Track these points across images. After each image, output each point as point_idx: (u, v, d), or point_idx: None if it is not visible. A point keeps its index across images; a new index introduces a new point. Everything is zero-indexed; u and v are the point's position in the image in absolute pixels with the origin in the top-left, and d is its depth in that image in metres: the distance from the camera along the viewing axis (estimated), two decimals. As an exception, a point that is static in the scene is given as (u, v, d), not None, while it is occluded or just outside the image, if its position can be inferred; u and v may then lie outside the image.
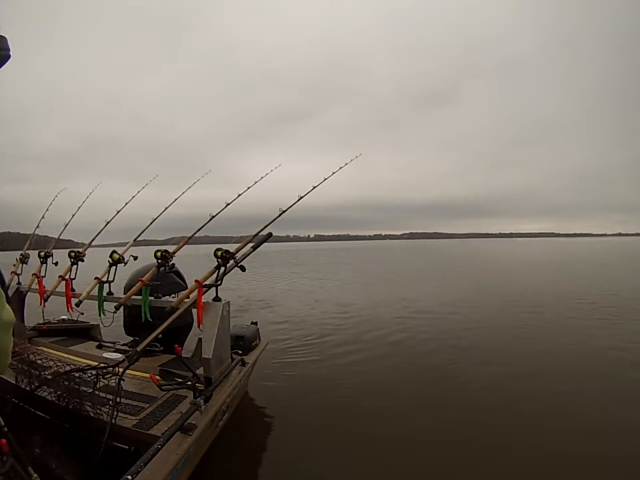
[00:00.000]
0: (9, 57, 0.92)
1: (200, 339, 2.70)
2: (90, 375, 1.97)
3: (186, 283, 3.22)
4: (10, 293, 2.98)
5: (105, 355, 2.74)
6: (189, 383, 1.85)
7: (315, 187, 2.95)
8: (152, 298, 2.49)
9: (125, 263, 2.77)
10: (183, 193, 3.46)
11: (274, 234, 2.61)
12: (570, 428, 2.70)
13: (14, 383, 1.96)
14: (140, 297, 2.45)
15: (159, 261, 2.59)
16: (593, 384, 3.47)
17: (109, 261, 2.70)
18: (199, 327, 2.27)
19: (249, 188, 3.17)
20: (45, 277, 3.09)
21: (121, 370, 1.97)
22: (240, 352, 2.72)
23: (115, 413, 1.72)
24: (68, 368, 2.00)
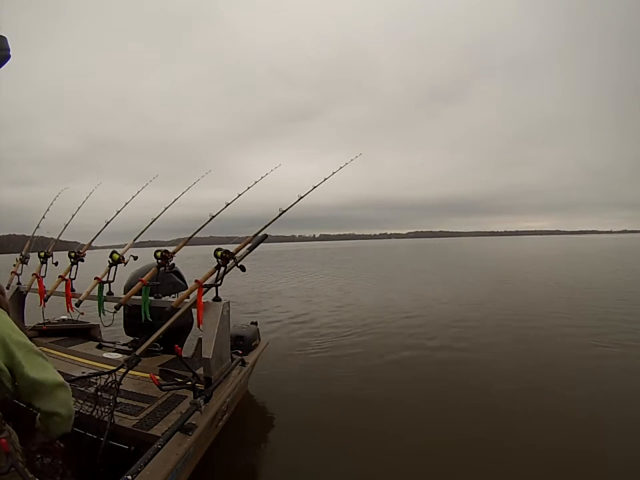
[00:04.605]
0: (8, 56, 0.91)
1: (200, 339, 2.70)
2: (92, 378, 1.96)
3: (186, 283, 3.22)
4: (10, 293, 3.00)
5: (105, 355, 2.74)
6: (189, 383, 1.85)
7: (315, 187, 2.97)
8: (152, 298, 2.49)
9: (125, 263, 2.77)
10: (182, 194, 3.47)
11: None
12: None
13: None
14: (140, 297, 2.45)
15: (159, 260, 2.59)
16: None
17: (108, 261, 2.71)
18: (199, 326, 2.26)
19: (249, 188, 3.19)
20: (45, 277, 3.10)
21: (120, 372, 1.97)
22: (240, 352, 2.71)
23: (113, 415, 1.71)
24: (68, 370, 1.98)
